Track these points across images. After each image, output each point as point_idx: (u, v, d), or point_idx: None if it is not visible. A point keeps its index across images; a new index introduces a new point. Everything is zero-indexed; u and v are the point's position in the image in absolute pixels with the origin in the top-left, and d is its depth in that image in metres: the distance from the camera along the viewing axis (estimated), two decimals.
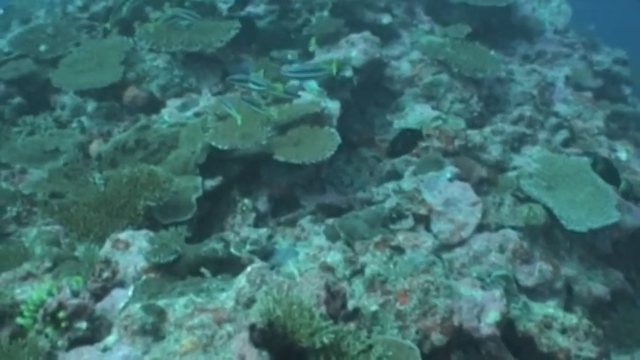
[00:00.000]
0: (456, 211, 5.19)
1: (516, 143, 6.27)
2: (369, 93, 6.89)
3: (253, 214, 5.23)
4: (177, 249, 3.92)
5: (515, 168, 5.95)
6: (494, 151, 6.00)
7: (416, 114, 6.46)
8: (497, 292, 4.07)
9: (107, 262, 3.93)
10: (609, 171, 5.31)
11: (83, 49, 7.06)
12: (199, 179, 5.22)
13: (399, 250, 4.20)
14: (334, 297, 3.36)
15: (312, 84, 6.02)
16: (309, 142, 5.35)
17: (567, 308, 4.90)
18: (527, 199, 5.46)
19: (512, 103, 7.16)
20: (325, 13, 7.26)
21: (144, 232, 4.24)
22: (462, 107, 6.61)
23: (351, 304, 3.58)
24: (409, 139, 5.91)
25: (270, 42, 7.23)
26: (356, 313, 3.63)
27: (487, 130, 6.20)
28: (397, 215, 5.01)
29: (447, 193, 5.30)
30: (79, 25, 7.76)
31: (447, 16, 8.14)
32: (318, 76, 5.82)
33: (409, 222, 4.95)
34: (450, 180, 5.44)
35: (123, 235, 4.18)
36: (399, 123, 6.43)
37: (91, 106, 6.54)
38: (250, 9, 7.15)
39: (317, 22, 7.09)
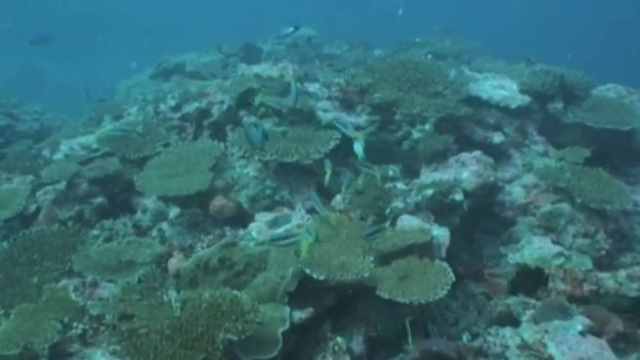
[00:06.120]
0: None
1: None
2: (476, 219, 6.18)
3: (347, 358, 4.48)
4: None
5: None
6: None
7: (533, 247, 5.66)
8: None
9: None
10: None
11: (172, 152, 6.71)
12: (287, 310, 4.59)
13: None
14: None
15: (358, 147, 5.37)
16: (417, 277, 4.64)
17: None
18: None
19: None
20: (427, 127, 6.70)
21: None
22: (586, 243, 5.76)
23: None
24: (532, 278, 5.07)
25: (370, 155, 6.68)
26: None
27: (622, 274, 5.29)
28: None
29: (580, 351, 4.40)
30: (170, 125, 7.51)
31: (561, 138, 7.45)
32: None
33: None
34: (582, 334, 4.56)
35: None
36: (514, 257, 5.63)
37: (173, 212, 6.09)
38: (352, 119, 6.66)
39: (424, 137, 6.50)
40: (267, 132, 5.55)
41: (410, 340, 4.53)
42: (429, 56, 8.18)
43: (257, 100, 6.34)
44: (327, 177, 5.48)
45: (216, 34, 14.68)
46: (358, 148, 5.35)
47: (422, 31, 11.89)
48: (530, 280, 5.06)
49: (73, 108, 12.98)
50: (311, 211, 5.75)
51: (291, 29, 7.25)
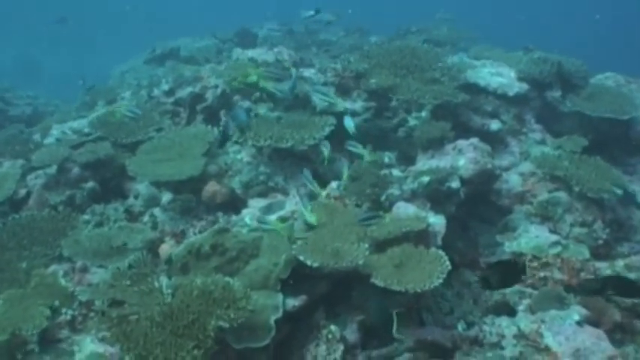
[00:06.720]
0: None
1: None
2: (472, 207, 6.10)
3: (341, 346, 4.40)
4: None
5: None
6: None
7: (530, 236, 5.59)
8: None
9: None
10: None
11: (164, 137, 6.60)
12: (280, 297, 4.50)
13: None
14: None
15: (349, 121, 5.36)
16: (412, 264, 4.56)
17: None
18: None
19: (638, 229, 6.20)
20: (423, 114, 6.60)
21: None
22: (583, 232, 5.70)
23: None
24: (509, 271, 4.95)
25: (365, 141, 6.59)
26: None
27: (619, 263, 5.24)
28: None
29: (577, 342, 4.34)
30: (163, 109, 7.40)
31: (559, 126, 7.37)
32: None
33: None
34: (579, 324, 4.49)
35: None
36: (510, 246, 5.56)
37: (166, 197, 5.98)
38: (348, 105, 6.55)
39: (420, 124, 6.40)
40: (249, 111, 5.48)
41: (395, 330, 4.44)
42: (425, 45, 8.06)
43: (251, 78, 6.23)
44: (326, 156, 5.51)
45: (213, 23, 14.53)
46: (349, 122, 5.27)
47: (421, 19, 11.76)
48: (504, 274, 4.94)
49: (67, 95, 12.85)
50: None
51: (312, 13, 7.13)
